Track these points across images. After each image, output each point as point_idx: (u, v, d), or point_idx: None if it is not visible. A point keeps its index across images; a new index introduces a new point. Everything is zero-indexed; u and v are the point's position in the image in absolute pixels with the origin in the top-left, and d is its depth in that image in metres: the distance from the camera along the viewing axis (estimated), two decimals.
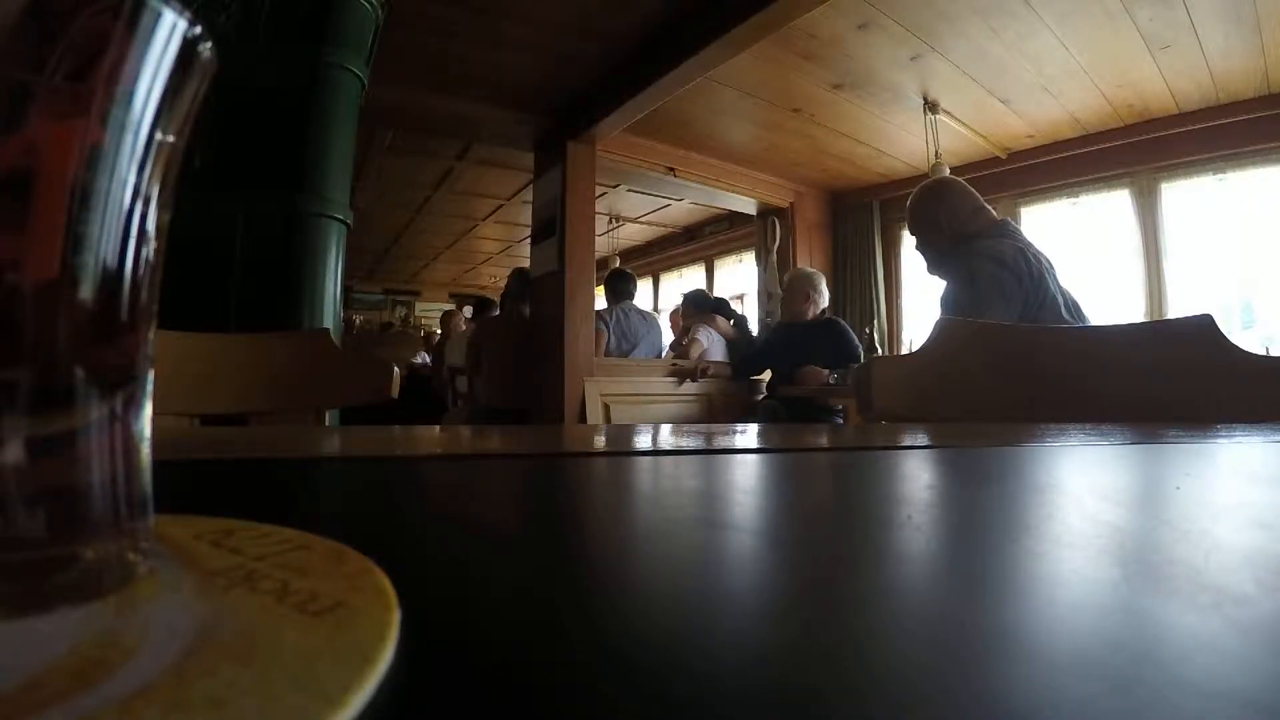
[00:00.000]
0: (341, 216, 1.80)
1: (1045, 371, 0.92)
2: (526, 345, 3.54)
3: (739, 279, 5.73)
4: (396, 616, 0.12)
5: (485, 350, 3.42)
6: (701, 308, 3.89)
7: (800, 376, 3.00)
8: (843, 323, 3.23)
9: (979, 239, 1.65)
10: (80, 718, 0.08)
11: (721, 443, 0.50)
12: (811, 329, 3.12)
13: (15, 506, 0.11)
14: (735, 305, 4.45)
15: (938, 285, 1.76)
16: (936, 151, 3.41)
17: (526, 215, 4.21)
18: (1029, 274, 1.54)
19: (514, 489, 0.33)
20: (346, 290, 4.10)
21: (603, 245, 5.35)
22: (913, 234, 1.85)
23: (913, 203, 1.82)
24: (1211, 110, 3.13)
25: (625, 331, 3.68)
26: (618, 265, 5.01)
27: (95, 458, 0.12)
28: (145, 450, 0.13)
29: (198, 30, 0.13)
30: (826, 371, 2.94)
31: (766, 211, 4.56)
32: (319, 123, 1.76)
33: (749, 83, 3.15)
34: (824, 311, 3.23)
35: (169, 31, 0.12)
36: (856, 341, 3.10)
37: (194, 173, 1.53)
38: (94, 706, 0.09)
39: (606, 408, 3.42)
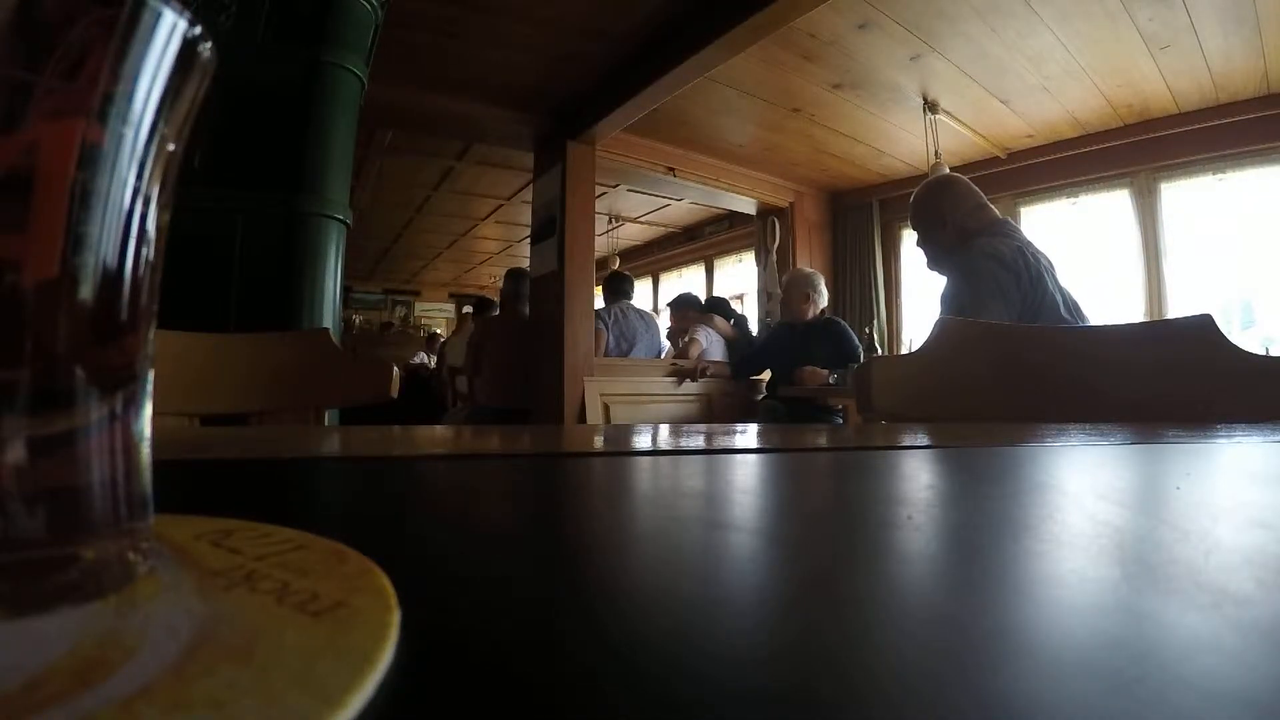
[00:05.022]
0: (341, 216, 1.80)
1: (1045, 371, 0.92)
2: (526, 345, 3.54)
3: (739, 279, 5.73)
4: (396, 617, 0.12)
5: (485, 350, 3.42)
6: (683, 308, 3.90)
7: (799, 376, 3.00)
8: (843, 323, 3.23)
9: (979, 237, 1.65)
10: (80, 718, 0.08)
11: (721, 443, 0.50)
12: (811, 329, 3.12)
13: (15, 506, 0.11)
14: (735, 305, 4.45)
15: (938, 285, 1.76)
16: (936, 151, 3.41)
17: (526, 215, 4.21)
18: (1028, 273, 1.54)
19: (514, 489, 0.33)
20: (346, 290, 4.10)
21: (603, 245, 5.35)
22: (915, 229, 1.85)
23: (917, 197, 1.83)
24: (1211, 110, 3.13)
25: (624, 330, 3.68)
26: (617, 266, 5.02)
27: (95, 458, 0.12)
28: (145, 450, 0.13)
29: (198, 30, 0.13)
30: (825, 372, 2.94)
31: (766, 211, 4.56)
32: (319, 123, 1.76)
33: (749, 82, 3.15)
34: (824, 311, 3.23)
35: (169, 31, 0.12)
36: (856, 341, 3.10)
37: (194, 173, 1.53)
38: (94, 706, 0.09)
39: (606, 408, 3.42)
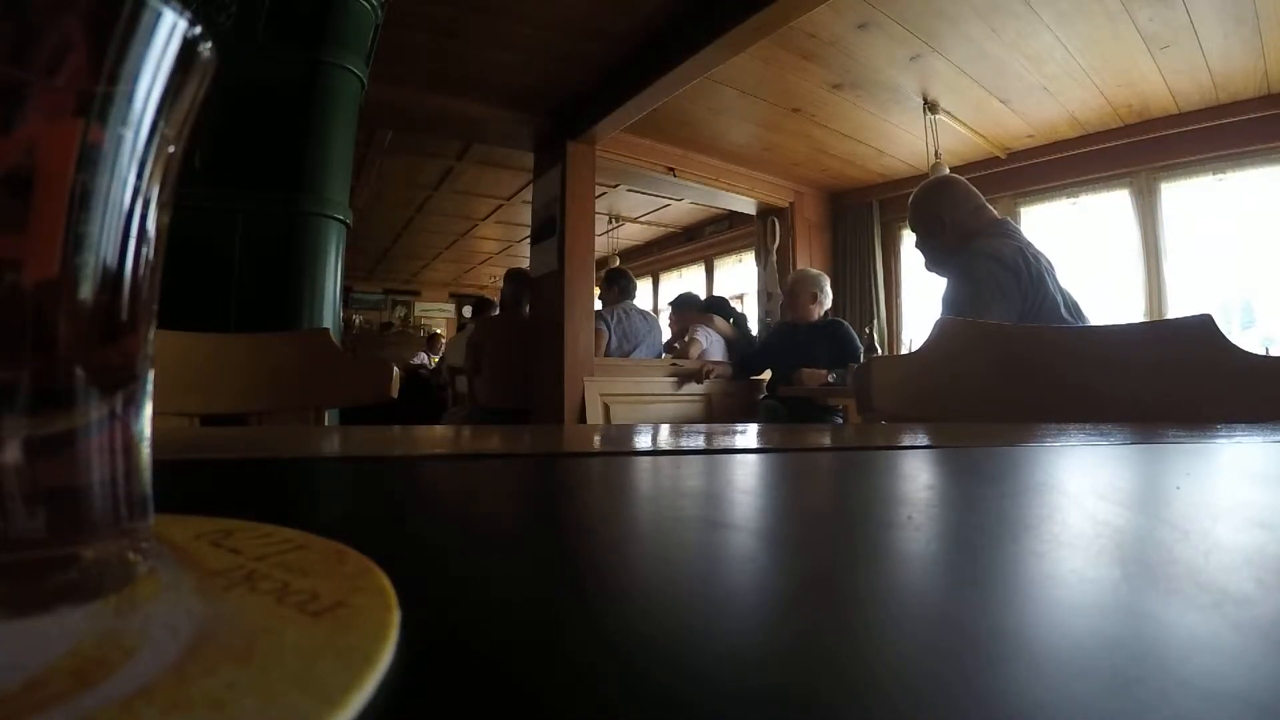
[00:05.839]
0: (341, 216, 1.80)
1: (1045, 371, 0.92)
2: (526, 345, 3.54)
3: (739, 279, 5.74)
4: (396, 616, 0.12)
5: (485, 350, 3.42)
6: (683, 308, 3.90)
7: (799, 377, 3.00)
8: (846, 324, 3.24)
9: (979, 238, 1.65)
10: (80, 718, 0.08)
11: (721, 443, 0.50)
12: (815, 330, 3.13)
13: (15, 506, 0.11)
14: (735, 305, 4.44)
15: (938, 285, 1.76)
16: (936, 151, 3.41)
17: (526, 215, 4.21)
18: (1028, 274, 1.54)
19: (514, 489, 0.33)
20: (346, 290, 4.09)
21: (603, 245, 5.35)
22: (914, 230, 1.85)
23: (915, 199, 1.83)
24: (1211, 110, 3.13)
25: (627, 331, 3.68)
26: (617, 264, 5.01)
27: (95, 458, 0.12)
28: (145, 450, 0.13)
29: (198, 30, 0.13)
30: (824, 372, 2.94)
31: (766, 211, 4.56)
32: (319, 123, 1.76)
33: (749, 83, 3.15)
34: (827, 313, 3.25)
35: (169, 31, 0.12)
36: (859, 343, 3.11)
37: (194, 173, 1.53)
38: (94, 706, 0.09)
39: (606, 408, 3.42)
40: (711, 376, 3.55)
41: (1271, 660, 0.11)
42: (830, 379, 2.92)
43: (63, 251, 0.11)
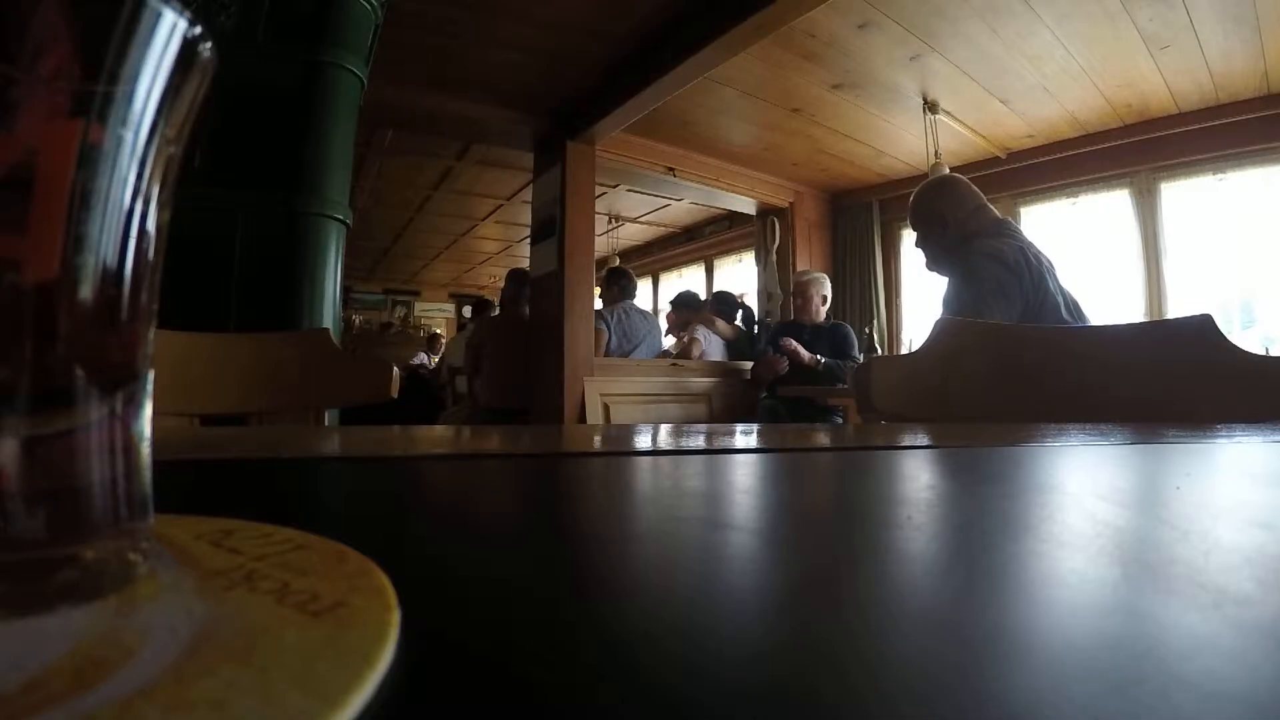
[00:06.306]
0: (341, 216, 1.80)
1: (1045, 371, 0.92)
2: (526, 345, 3.54)
3: (739, 279, 5.74)
4: (396, 616, 0.12)
5: (485, 350, 3.42)
6: (683, 308, 3.91)
7: (784, 346, 3.06)
8: (848, 326, 3.28)
9: (979, 237, 1.65)
10: (80, 718, 0.08)
11: (722, 443, 0.50)
12: (818, 331, 3.18)
13: (15, 506, 0.11)
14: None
15: (938, 285, 1.76)
16: (936, 151, 3.41)
17: (526, 215, 4.21)
18: (1029, 274, 1.55)
19: (514, 489, 0.33)
20: (346, 290, 4.10)
21: (603, 245, 5.35)
22: (914, 229, 1.85)
23: (916, 198, 1.83)
24: (1211, 110, 3.13)
25: (627, 331, 3.68)
26: (617, 264, 5.00)
27: (95, 458, 0.12)
28: (145, 450, 0.13)
29: (198, 30, 0.13)
30: (808, 354, 2.99)
31: (766, 211, 4.56)
32: (319, 123, 1.76)
33: (749, 83, 3.15)
34: (828, 315, 3.30)
35: (169, 31, 0.12)
36: (859, 348, 3.16)
37: (194, 173, 1.53)
38: (94, 706, 0.09)
39: (606, 408, 3.42)
40: (779, 371, 3.47)
41: (1271, 660, 0.11)
42: (820, 360, 2.96)
43: (63, 251, 0.11)
